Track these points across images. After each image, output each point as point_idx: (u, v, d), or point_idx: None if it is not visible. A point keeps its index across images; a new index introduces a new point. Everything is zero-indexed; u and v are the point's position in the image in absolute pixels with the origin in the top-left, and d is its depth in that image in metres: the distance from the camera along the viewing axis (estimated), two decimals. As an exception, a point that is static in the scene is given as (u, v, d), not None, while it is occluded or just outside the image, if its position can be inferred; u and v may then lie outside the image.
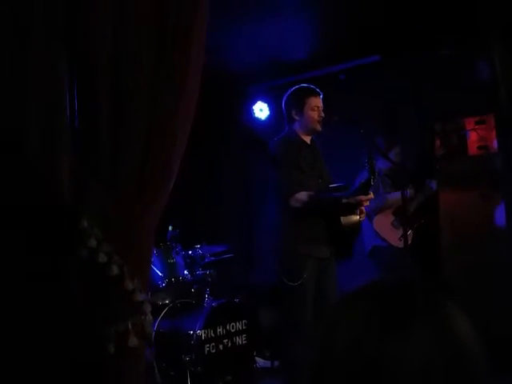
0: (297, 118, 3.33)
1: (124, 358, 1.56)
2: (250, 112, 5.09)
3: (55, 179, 1.49)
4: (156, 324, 3.76)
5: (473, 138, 4.71)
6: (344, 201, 3.10)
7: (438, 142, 4.83)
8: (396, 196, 4.26)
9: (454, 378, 0.64)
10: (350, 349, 0.66)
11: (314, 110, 3.29)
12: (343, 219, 3.18)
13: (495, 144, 4.58)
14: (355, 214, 3.24)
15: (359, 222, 3.29)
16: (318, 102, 3.33)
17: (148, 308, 1.60)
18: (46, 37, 1.49)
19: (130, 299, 1.56)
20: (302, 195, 3.12)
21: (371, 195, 3.14)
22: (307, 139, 3.37)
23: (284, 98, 3.41)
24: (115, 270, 1.54)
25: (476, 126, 4.65)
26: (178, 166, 1.69)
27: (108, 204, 1.56)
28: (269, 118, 5.11)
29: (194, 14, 1.69)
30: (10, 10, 1.46)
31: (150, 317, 1.60)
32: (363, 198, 3.09)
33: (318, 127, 3.31)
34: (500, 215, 4.34)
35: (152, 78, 1.61)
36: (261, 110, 5.09)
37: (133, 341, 1.55)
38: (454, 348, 0.65)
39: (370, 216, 4.30)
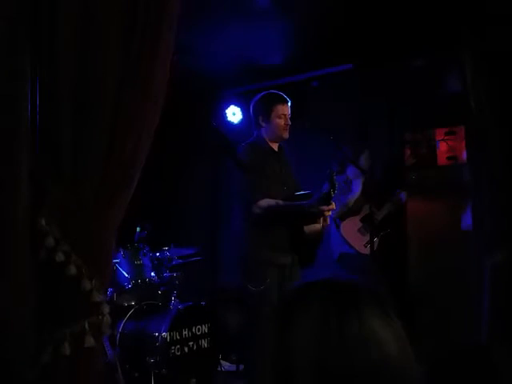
0: (263, 124, 3.33)
1: (80, 358, 1.55)
2: (223, 116, 5.10)
3: (13, 178, 1.47)
4: (121, 325, 3.73)
5: (442, 148, 4.78)
6: (306, 209, 3.13)
7: (407, 152, 4.90)
8: (355, 193, 4.32)
9: (404, 364, 0.71)
10: (311, 344, 0.72)
11: (280, 117, 3.29)
12: (306, 227, 3.21)
13: (464, 155, 4.65)
14: (318, 222, 3.27)
15: (322, 230, 3.31)
16: (285, 109, 3.32)
17: (106, 309, 1.59)
18: (9, 32, 1.47)
19: (88, 299, 1.55)
20: (265, 202, 3.12)
21: (333, 205, 3.16)
22: (274, 146, 3.38)
23: (252, 104, 3.40)
24: (73, 269, 1.53)
25: (446, 137, 4.73)
26: (142, 165, 1.69)
27: (67, 202, 1.55)
28: (241, 122, 5.12)
29: (162, 12, 1.69)
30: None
31: (107, 318, 1.59)
32: (325, 207, 3.11)
33: (285, 134, 3.32)
34: (466, 225, 4.42)
35: (117, 76, 1.60)
36: (233, 114, 5.10)
37: (89, 341, 1.54)
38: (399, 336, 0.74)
39: (337, 223, 4.34)
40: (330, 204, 3.10)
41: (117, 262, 3.90)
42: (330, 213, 3.21)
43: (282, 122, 3.28)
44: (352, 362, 0.69)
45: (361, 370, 0.69)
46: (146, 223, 4.06)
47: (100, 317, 1.58)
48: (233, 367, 4.52)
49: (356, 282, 0.80)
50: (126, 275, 3.85)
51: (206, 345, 3.85)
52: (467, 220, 4.40)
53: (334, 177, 3.01)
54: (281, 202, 3.18)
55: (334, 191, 3.01)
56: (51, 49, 1.54)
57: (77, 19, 1.54)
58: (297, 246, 3.21)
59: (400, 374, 0.71)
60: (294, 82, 5.03)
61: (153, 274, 3.95)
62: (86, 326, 1.54)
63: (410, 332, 0.79)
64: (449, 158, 4.74)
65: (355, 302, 0.74)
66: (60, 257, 1.52)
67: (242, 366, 4.48)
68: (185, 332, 3.75)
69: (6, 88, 1.48)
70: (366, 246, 4.13)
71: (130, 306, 3.85)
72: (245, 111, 5.10)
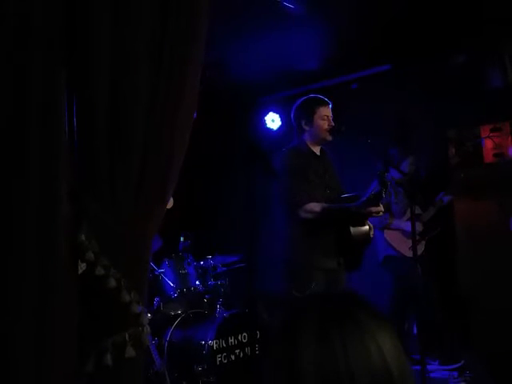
0: (307, 128, 3.33)
1: (121, 369, 1.59)
2: (262, 123, 5.12)
3: (53, 195, 1.53)
4: (168, 334, 3.80)
5: (488, 145, 4.67)
6: (354, 211, 3.10)
7: (452, 151, 4.80)
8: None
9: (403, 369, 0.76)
10: (315, 354, 0.76)
11: (323, 119, 3.30)
12: (353, 230, 3.17)
13: (511, 151, 4.54)
14: (365, 224, 3.24)
15: (369, 233, 3.28)
16: (327, 111, 3.33)
17: (145, 320, 1.63)
18: (44, 55, 1.53)
19: (127, 311, 1.59)
20: (313, 206, 3.12)
21: (381, 207, 3.14)
22: (316, 150, 3.38)
23: (293, 109, 3.42)
24: (112, 282, 1.57)
25: (491, 134, 4.62)
26: (176, 180, 1.72)
27: (105, 217, 1.60)
28: (281, 128, 5.13)
29: (192, 27, 1.73)
30: (10, 30, 1.51)
31: (147, 328, 1.63)
32: (373, 209, 3.09)
33: (328, 136, 3.32)
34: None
35: (149, 94, 1.65)
36: (273, 121, 5.12)
37: (130, 352, 1.58)
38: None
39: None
40: (378, 205, 3.08)
41: (162, 272, 3.98)
42: (381, 213, 3.17)
43: (325, 124, 3.29)
44: (354, 368, 0.73)
45: (363, 378, 0.73)
46: (189, 233, 4.13)
47: (140, 328, 1.62)
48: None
49: (348, 292, 0.86)
50: (172, 284, 3.92)
51: (252, 352, 3.86)
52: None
53: (386, 176, 2.98)
54: (328, 205, 3.16)
55: (385, 191, 2.98)
56: (84, 69, 1.59)
57: (108, 35, 1.58)
58: (344, 249, 3.19)
59: (400, 379, 0.75)
60: (333, 85, 5.02)
61: (198, 282, 4.01)
62: (127, 336, 1.59)
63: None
64: (495, 155, 4.62)
65: (352, 311, 0.79)
66: (100, 271, 1.56)
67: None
68: (231, 340, 3.77)
69: (44, 107, 1.54)
70: (410, 249, 4.06)
71: (177, 315, 3.91)
72: (284, 117, 5.11)
